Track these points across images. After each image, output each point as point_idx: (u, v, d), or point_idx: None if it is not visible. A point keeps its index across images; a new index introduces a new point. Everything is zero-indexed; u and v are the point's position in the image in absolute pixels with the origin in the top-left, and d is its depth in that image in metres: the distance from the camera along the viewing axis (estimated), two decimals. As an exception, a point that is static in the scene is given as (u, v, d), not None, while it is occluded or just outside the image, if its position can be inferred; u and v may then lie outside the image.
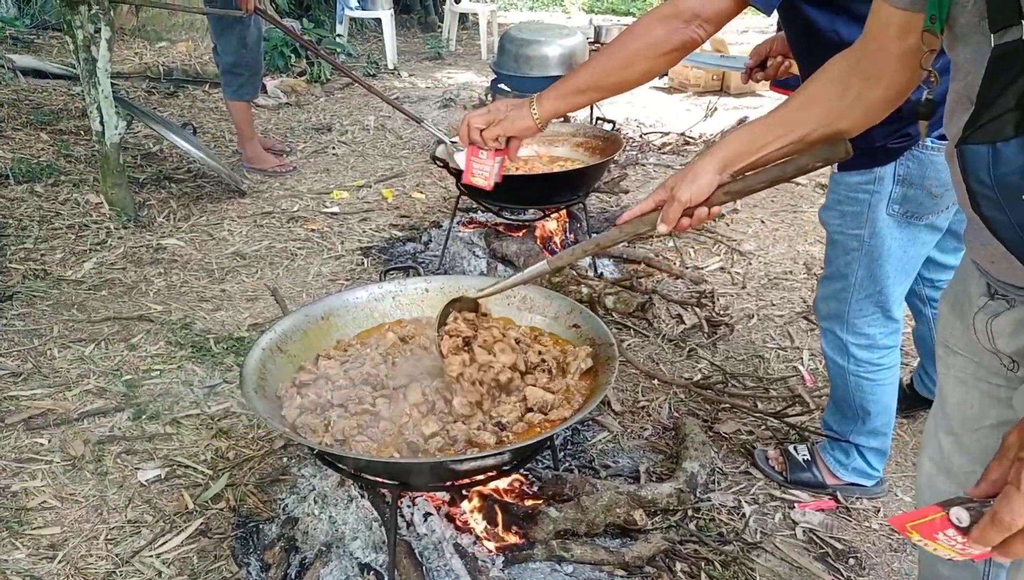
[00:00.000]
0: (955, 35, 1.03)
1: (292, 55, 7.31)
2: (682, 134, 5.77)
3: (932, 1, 1.04)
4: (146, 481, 2.31)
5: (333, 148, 5.48)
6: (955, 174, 1.00)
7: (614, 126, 3.85)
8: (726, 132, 4.57)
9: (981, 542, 0.82)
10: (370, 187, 4.77)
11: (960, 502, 0.83)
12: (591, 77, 1.89)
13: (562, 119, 3.90)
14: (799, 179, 4.88)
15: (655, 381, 2.87)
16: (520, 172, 3.49)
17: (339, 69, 4.38)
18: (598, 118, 4.13)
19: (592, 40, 7.84)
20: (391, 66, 8.07)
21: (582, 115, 5.90)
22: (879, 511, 2.28)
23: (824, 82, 1.29)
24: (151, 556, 2.05)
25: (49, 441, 2.45)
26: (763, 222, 4.34)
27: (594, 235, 1.68)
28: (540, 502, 2.10)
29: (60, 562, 2.02)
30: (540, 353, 1.93)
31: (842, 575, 2.05)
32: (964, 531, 0.82)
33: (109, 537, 2.12)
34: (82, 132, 5.10)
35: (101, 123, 3.87)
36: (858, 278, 2.02)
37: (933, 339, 1.99)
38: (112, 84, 3.89)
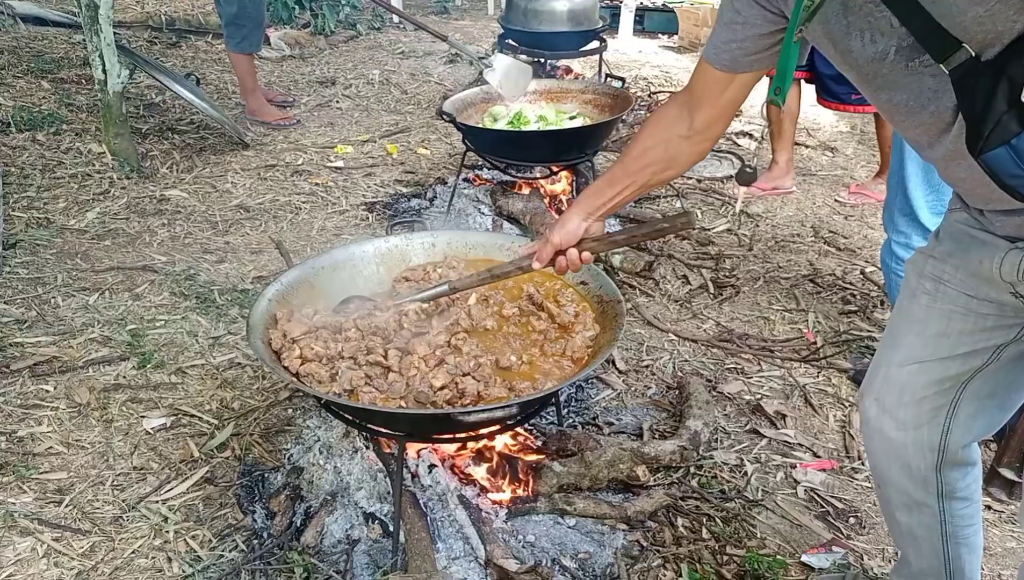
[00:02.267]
0: (881, 86, 1.18)
1: (296, 6, 7.17)
2: (691, 94, 5.68)
3: (778, 76, 1.24)
4: (152, 429, 2.32)
5: (337, 102, 5.41)
6: (972, 180, 1.15)
7: (623, 84, 3.79)
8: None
9: None
10: (375, 142, 4.72)
11: None
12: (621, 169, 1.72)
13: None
14: (809, 142, 4.84)
15: (670, 337, 2.87)
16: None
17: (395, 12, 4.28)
18: (607, 75, 4.06)
19: (602, -4, 7.70)
20: (396, 19, 7.93)
21: (591, 72, 5.82)
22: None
23: (652, 137, 1.54)
24: (157, 502, 2.07)
25: (55, 388, 2.46)
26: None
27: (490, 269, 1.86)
28: (544, 457, 2.11)
29: (67, 506, 2.04)
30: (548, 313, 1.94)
31: (842, 533, 2.07)
32: None
33: (115, 483, 2.13)
34: (84, 81, 5.03)
35: (103, 72, 3.82)
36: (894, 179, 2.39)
37: None
38: (114, 33, 3.82)
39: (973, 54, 1.00)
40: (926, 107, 1.14)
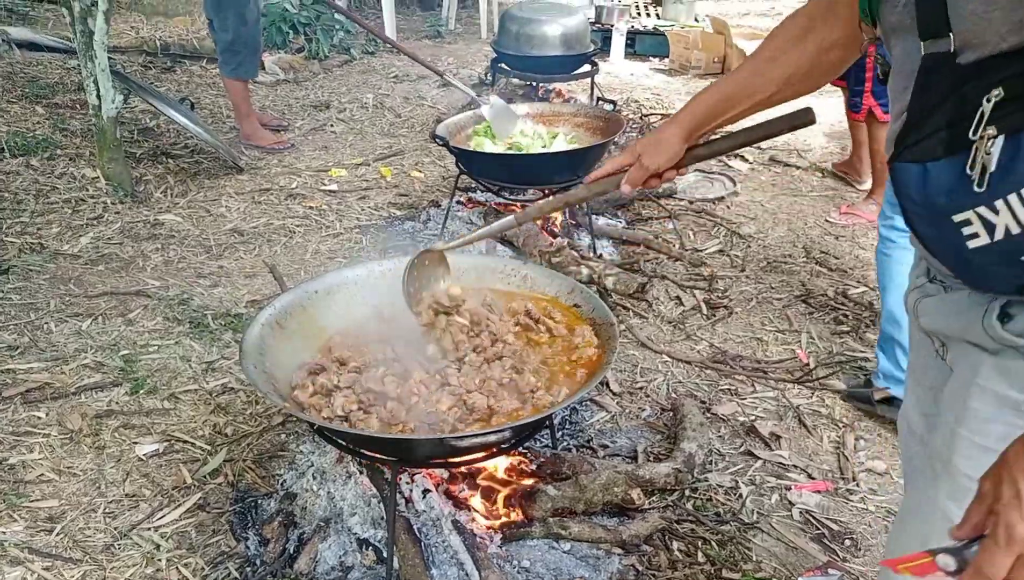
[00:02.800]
0: (889, 29, 1.04)
1: (290, 31, 7.23)
2: (682, 116, 5.73)
3: None
4: (144, 455, 2.31)
5: (331, 125, 5.44)
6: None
7: (615, 106, 3.83)
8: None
9: None
10: (368, 165, 4.74)
11: (945, 550, 0.85)
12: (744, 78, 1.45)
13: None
14: (800, 163, 4.87)
15: (664, 358, 2.87)
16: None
17: (392, 43, 4.33)
18: (599, 98, 4.10)
19: (593, 21, 7.80)
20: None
21: (583, 96, 5.87)
22: (875, 493, 2.29)
23: (781, 42, 1.30)
24: (149, 530, 2.06)
25: (47, 414, 2.44)
26: (763, 205, 4.33)
27: (563, 193, 1.72)
28: (538, 480, 2.11)
29: (58, 535, 2.03)
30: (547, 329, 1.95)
31: (838, 556, 2.06)
32: (953, 574, 0.85)
33: (107, 510, 2.12)
34: (78, 106, 5.05)
35: (98, 97, 3.84)
36: None
37: None
38: (108, 58, 3.85)
39: (952, 49, 0.90)
40: (899, 74, 1.03)
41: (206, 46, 6.73)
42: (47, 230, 3.61)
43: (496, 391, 1.74)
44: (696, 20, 8.53)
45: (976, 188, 0.87)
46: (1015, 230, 0.87)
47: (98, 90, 3.82)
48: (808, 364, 2.88)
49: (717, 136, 1.49)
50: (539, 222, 3.63)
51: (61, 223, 3.69)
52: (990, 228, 0.88)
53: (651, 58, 7.85)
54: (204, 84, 6.13)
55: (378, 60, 7.35)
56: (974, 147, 0.86)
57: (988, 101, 0.85)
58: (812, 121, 1.38)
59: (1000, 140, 0.85)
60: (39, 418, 2.43)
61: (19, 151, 4.27)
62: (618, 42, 7.67)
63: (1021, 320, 0.97)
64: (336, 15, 7.57)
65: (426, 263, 1.94)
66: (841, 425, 2.58)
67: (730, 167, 4.86)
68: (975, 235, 0.90)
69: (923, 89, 0.93)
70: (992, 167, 0.85)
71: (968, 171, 0.87)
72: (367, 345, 1.92)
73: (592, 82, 5.30)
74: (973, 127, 0.86)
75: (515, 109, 3.80)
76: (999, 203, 0.87)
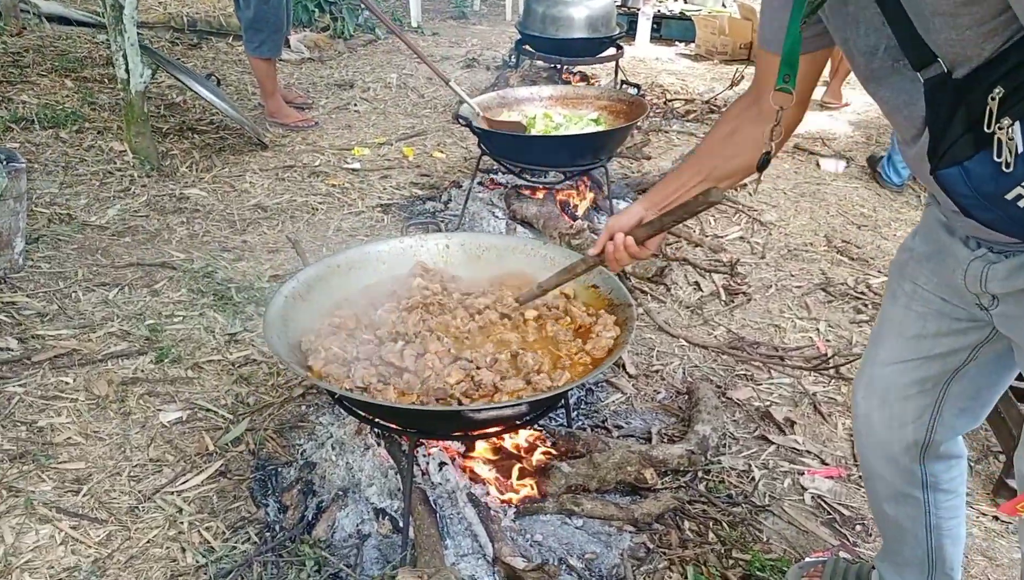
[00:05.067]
0: (869, 79, 1.20)
1: (316, 9, 7.25)
2: (707, 102, 5.71)
3: (785, 62, 1.21)
4: (168, 422, 2.36)
5: (355, 105, 5.46)
6: (934, 189, 1.19)
7: (639, 90, 3.82)
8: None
9: None
10: (391, 145, 4.77)
11: None
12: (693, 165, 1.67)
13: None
14: (824, 152, 4.84)
15: (681, 342, 2.89)
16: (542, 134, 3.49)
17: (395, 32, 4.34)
18: (623, 81, 4.09)
19: (620, 4, 7.75)
20: (415, 24, 7.99)
21: (606, 79, 5.84)
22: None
23: (722, 128, 1.54)
24: (172, 494, 2.11)
25: (74, 380, 2.50)
26: (785, 193, 4.31)
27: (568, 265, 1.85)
28: (553, 457, 2.13)
29: (85, 495, 2.09)
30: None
31: (848, 540, 2.08)
32: None
33: (132, 474, 2.17)
34: (106, 80, 5.11)
35: (127, 71, 3.88)
36: None
37: None
38: (137, 33, 3.89)
39: (946, 70, 1.03)
40: (902, 109, 1.17)
41: (232, 23, 6.76)
42: (75, 201, 3.68)
43: (505, 370, 1.77)
44: (723, 5, 8.44)
45: (1012, 169, 0.97)
46: None
47: (127, 64, 3.87)
48: (825, 353, 2.88)
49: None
50: (559, 205, 3.65)
51: (89, 195, 3.75)
52: None
53: (677, 43, 7.79)
54: (230, 61, 6.17)
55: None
56: (996, 138, 0.97)
57: (993, 100, 0.97)
58: (722, 200, 1.67)
59: (1017, 125, 0.96)
60: (67, 383, 2.49)
61: (48, 123, 4.34)
62: (644, 26, 7.62)
63: None
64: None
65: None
66: (856, 413, 2.58)
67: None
68: None
69: (934, 107, 1.06)
70: (1020, 148, 0.96)
71: (997, 158, 0.98)
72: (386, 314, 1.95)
73: (617, 65, 5.28)
74: (986, 123, 0.98)
75: (538, 91, 3.80)
76: None
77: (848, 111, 5.74)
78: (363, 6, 6.77)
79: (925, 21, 1.02)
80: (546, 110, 3.71)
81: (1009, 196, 1.00)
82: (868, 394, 1.54)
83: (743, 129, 1.49)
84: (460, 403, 1.68)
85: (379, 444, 2.09)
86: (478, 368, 1.75)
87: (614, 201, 3.75)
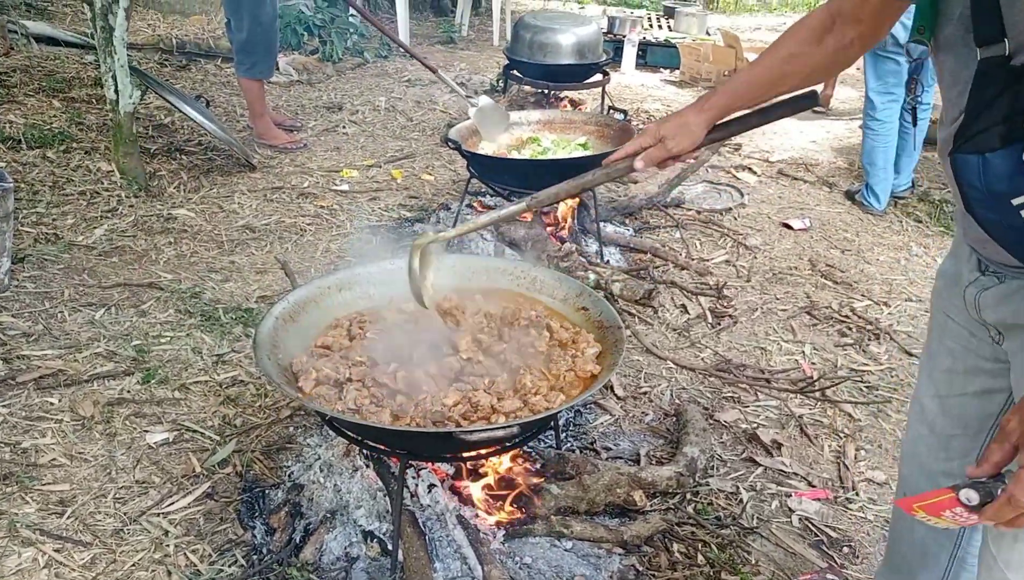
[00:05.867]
0: (939, 44, 1.13)
1: (305, 33, 7.30)
2: (692, 128, 5.78)
3: (921, 14, 1.15)
4: (154, 444, 2.34)
5: (343, 127, 5.49)
6: (948, 175, 1.10)
7: (626, 116, 3.87)
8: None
9: (994, 519, 0.92)
10: (380, 167, 4.79)
11: (967, 485, 0.92)
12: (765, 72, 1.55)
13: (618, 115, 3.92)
14: (807, 177, 4.91)
15: (668, 364, 2.91)
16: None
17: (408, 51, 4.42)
18: (610, 107, 4.14)
19: (606, 31, 7.85)
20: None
21: (593, 104, 5.91)
22: (874, 502, 2.32)
23: (800, 40, 1.39)
24: (158, 516, 2.09)
25: (59, 401, 2.48)
26: (769, 218, 4.37)
27: (579, 178, 1.67)
28: (542, 479, 2.14)
29: (69, 517, 2.06)
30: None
31: (836, 562, 2.09)
32: (972, 509, 0.89)
33: (117, 496, 2.15)
34: (94, 100, 5.11)
35: (116, 92, 3.89)
36: None
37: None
38: (126, 54, 3.90)
39: (1007, 52, 0.97)
40: (958, 84, 1.11)
41: (221, 45, 6.79)
42: (62, 221, 3.66)
43: (503, 392, 1.78)
44: (708, 33, 8.59)
45: None
46: None
47: (116, 85, 3.87)
48: (811, 375, 2.91)
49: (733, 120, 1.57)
50: (548, 228, 3.67)
51: (76, 214, 3.73)
52: None
53: (662, 69, 7.90)
54: (219, 83, 6.19)
55: (391, 64, 7.41)
56: None
57: None
58: (816, 103, 1.49)
59: None
60: (52, 404, 2.47)
61: (36, 143, 4.33)
62: (630, 53, 7.73)
63: None
64: (350, 19, 7.66)
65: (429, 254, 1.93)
66: (842, 435, 2.61)
67: (738, 179, 4.89)
68: None
69: (979, 89, 1.00)
70: None
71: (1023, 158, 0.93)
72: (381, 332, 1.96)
73: (603, 91, 5.34)
74: None
75: (527, 116, 3.85)
76: None
77: (830, 137, 5.83)
78: (353, 12, 6.83)
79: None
80: (534, 134, 3.75)
81: (1016, 201, 0.97)
82: (918, 421, 1.49)
83: (830, 40, 1.35)
84: (458, 425, 1.68)
85: (368, 466, 2.08)
86: (475, 390, 1.75)
87: (601, 224, 3.78)
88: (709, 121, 1.52)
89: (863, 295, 3.54)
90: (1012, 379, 1.21)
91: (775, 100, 1.46)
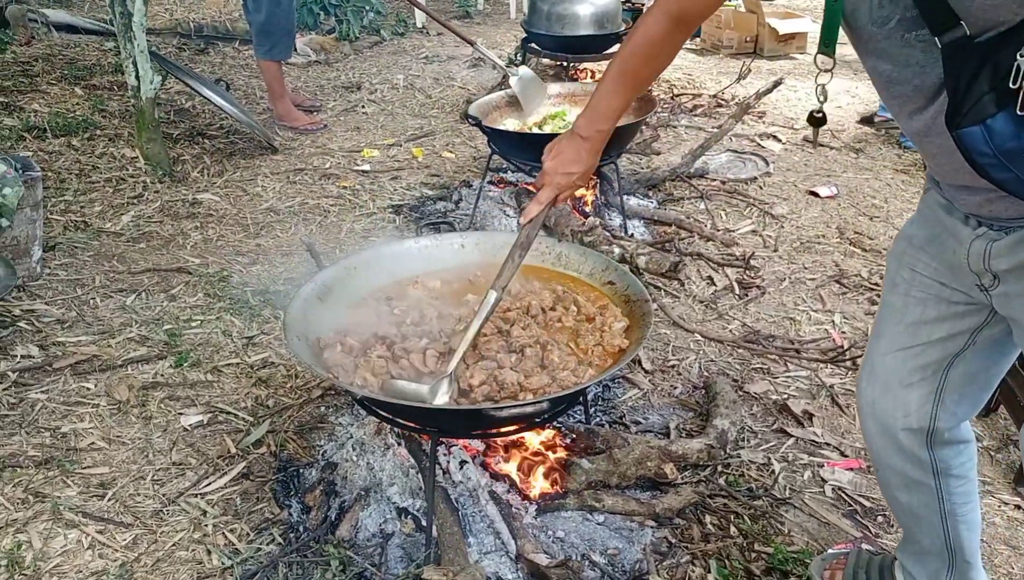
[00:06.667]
0: (873, 53, 1.23)
1: (321, 12, 7.27)
2: (714, 96, 5.70)
3: (827, 30, 1.27)
4: (189, 426, 2.38)
5: (363, 106, 5.48)
6: (943, 155, 1.19)
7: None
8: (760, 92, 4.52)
9: None
10: (400, 146, 4.78)
11: None
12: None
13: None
14: (834, 144, 4.83)
15: (696, 337, 2.89)
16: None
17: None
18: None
19: (624, 0, 7.72)
20: (420, 24, 8.00)
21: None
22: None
23: (647, 53, 1.56)
24: (196, 497, 2.13)
25: (95, 386, 2.53)
26: (796, 186, 4.30)
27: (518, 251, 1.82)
28: (572, 454, 2.14)
29: (110, 500, 2.11)
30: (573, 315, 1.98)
31: (870, 531, 2.08)
32: None
33: (155, 478, 2.19)
34: (116, 87, 5.14)
35: (137, 78, 3.91)
36: None
37: None
38: (146, 39, 3.91)
39: (968, 33, 1.05)
40: (910, 80, 1.19)
41: (239, 27, 6.80)
42: (90, 208, 3.70)
43: (532, 370, 1.78)
44: (728, -1, 8.41)
45: None
46: None
47: (137, 71, 3.89)
48: (842, 345, 2.88)
49: None
50: (570, 202, 3.65)
51: (103, 202, 3.78)
52: None
53: (682, 38, 7.77)
54: (237, 65, 6.20)
55: (408, 41, 7.37)
56: (1022, 94, 1.00)
57: (1021, 56, 0.99)
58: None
59: None
60: (88, 389, 2.51)
61: (60, 131, 4.37)
62: (649, 21, 7.59)
63: None
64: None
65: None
66: (874, 404, 2.58)
67: (763, 147, 4.82)
68: None
69: (954, 69, 1.08)
70: None
71: (1020, 112, 1.01)
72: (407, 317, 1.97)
73: (623, 62, 5.27)
74: (1012, 78, 1.00)
75: (548, 88, 3.81)
76: None
77: (856, 101, 5.72)
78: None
79: None
80: (556, 108, 3.72)
81: None
82: (870, 383, 1.56)
83: (668, 49, 1.55)
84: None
85: (399, 444, 2.10)
86: (500, 368, 1.75)
87: (624, 197, 3.75)
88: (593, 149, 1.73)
89: (893, 262, 3.49)
90: (1016, 313, 1.31)
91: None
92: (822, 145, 4.87)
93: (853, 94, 5.87)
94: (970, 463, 1.59)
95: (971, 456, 1.59)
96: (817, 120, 1.48)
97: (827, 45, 1.30)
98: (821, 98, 1.40)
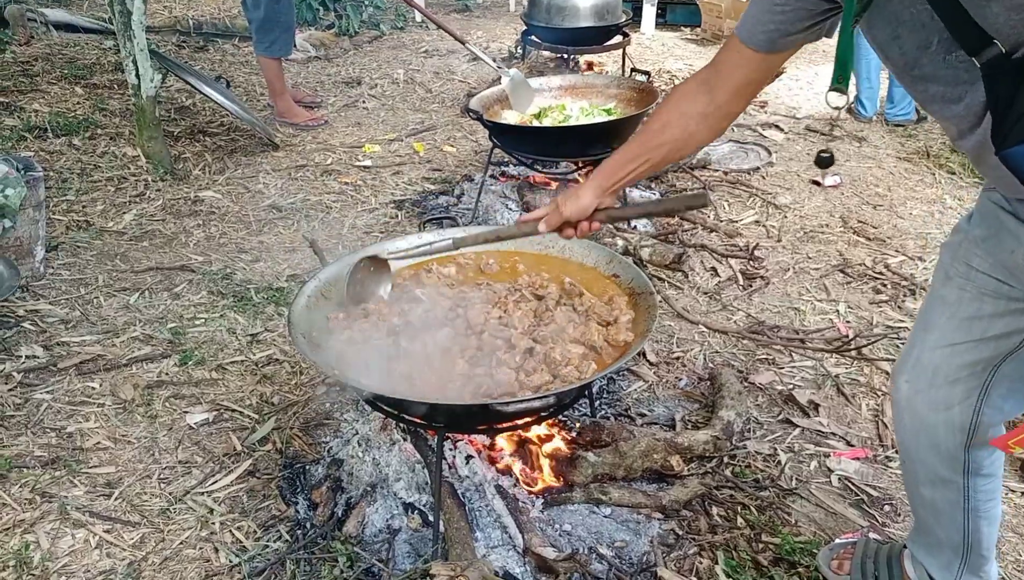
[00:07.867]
0: (923, 76, 1.22)
1: (320, 8, 7.25)
2: (715, 86, 5.68)
3: (838, 64, 1.30)
4: (194, 424, 2.38)
5: (363, 101, 5.47)
6: (1002, 172, 1.14)
7: (648, 77, 3.80)
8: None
9: None
10: (401, 141, 4.77)
11: None
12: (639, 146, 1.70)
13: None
14: (836, 133, 4.81)
15: (700, 328, 2.89)
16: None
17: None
18: (632, 69, 4.07)
19: (623, -9, 7.69)
20: (419, 19, 7.98)
21: (613, 67, 5.82)
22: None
23: (672, 112, 1.54)
24: (203, 494, 2.13)
25: (100, 385, 2.53)
26: (798, 176, 4.29)
27: (499, 225, 1.89)
28: (578, 447, 2.14)
29: (116, 499, 2.11)
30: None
31: (877, 521, 2.07)
32: None
33: (162, 476, 2.20)
34: (116, 86, 5.14)
35: (137, 76, 3.90)
36: None
37: None
38: (145, 38, 3.90)
39: (1004, 51, 1.04)
40: (961, 99, 1.19)
41: (238, 24, 6.78)
42: (92, 208, 3.70)
43: (536, 367, 1.77)
44: (728, -12, 8.36)
45: None
46: None
47: (137, 70, 3.88)
48: (847, 334, 2.87)
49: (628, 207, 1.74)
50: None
51: (105, 201, 3.77)
52: None
53: (683, 28, 7.74)
54: (237, 62, 6.18)
55: (407, 35, 7.35)
56: None
57: None
58: (706, 205, 1.69)
59: None
60: (93, 388, 2.52)
61: (61, 131, 4.37)
62: (649, 12, 7.57)
63: None
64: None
65: (371, 269, 2.00)
66: (880, 393, 2.58)
67: (765, 137, 4.81)
68: None
69: (995, 89, 1.08)
70: None
71: None
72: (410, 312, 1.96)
73: (624, 53, 5.25)
74: None
75: (548, 81, 3.80)
76: None
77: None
78: None
79: (980, 8, 1.04)
80: (556, 100, 3.70)
81: None
82: (914, 377, 1.51)
83: (693, 121, 1.50)
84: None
85: (405, 439, 2.10)
86: (498, 365, 1.75)
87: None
88: (597, 189, 1.64)
89: (897, 250, 3.48)
90: None
91: (671, 197, 1.57)
92: (825, 134, 4.86)
93: (854, 83, 5.83)
94: (999, 460, 1.56)
95: (1001, 454, 1.55)
96: (824, 160, 1.46)
97: (840, 81, 1.28)
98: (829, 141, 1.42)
